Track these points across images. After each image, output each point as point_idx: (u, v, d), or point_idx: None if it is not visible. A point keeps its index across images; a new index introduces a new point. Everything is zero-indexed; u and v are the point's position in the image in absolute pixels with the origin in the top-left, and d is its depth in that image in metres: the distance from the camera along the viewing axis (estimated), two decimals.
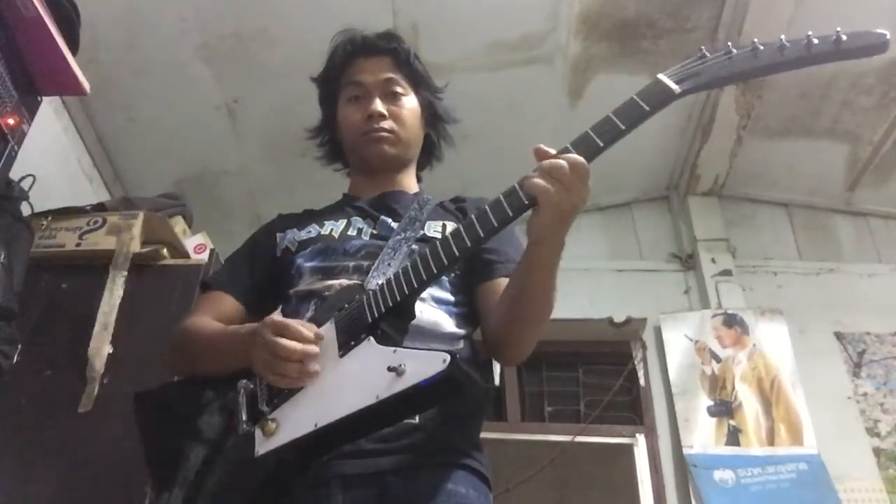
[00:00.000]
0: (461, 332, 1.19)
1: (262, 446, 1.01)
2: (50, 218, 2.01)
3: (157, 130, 2.98)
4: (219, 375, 1.13)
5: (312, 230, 1.30)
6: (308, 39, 2.75)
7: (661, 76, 0.93)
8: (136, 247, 1.95)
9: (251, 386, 1.07)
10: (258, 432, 1.02)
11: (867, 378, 3.07)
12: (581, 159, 0.92)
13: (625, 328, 3.18)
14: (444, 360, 0.87)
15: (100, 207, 2.13)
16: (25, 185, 1.86)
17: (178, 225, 2.19)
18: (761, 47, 0.89)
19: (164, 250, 2.02)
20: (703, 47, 0.93)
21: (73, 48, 1.63)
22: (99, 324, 1.81)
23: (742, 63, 0.90)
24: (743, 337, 3.12)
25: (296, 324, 1.02)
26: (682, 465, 2.86)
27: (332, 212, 1.36)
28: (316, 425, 0.96)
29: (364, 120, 1.33)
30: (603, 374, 3.23)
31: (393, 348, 0.95)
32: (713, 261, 3.40)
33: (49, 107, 2.54)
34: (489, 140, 2.99)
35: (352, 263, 1.20)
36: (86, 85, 1.64)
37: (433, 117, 1.43)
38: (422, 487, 1.02)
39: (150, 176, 3.07)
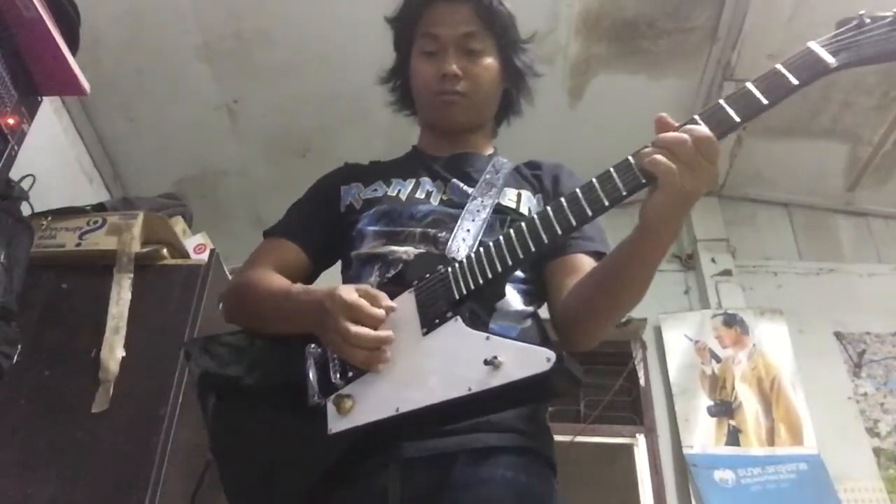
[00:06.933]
0: (529, 309, 1.12)
1: (337, 424, 0.94)
2: (50, 218, 2.01)
3: (157, 130, 2.98)
4: (281, 336, 1.06)
5: (379, 188, 1.23)
6: (308, 40, 2.76)
7: (812, 45, 0.81)
8: (136, 247, 1.95)
9: (319, 351, 1.00)
10: (331, 408, 0.94)
11: (867, 378, 3.07)
12: (710, 134, 0.82)
13: (625, 328, 3.18)
14: (549, 360, 0.79)
15: (100, 207, 2.13)
16: (25, 185, 1.86)
17: (178, 225, 2.19)
18: None
19: (164, 250, 2.01)
20: (862, 12, 0.80)
21: (73, 48, 1.63)
22: (109, 328, 1.80)
23: None
24: (743, 337, 3.12)
25: (367, 306, 0.94)
26: (682, 465, 2.85)
27: (401, 168, 1.28)
28: (398, 410, 0.89)
29: (437, 79, 1.23)
30: (603, 374, 3.23)
31: (485, 335, 0.87)
32: (713, 261, 3.40)
33: (49, 107, 2.54)
34: None
35: (418, 230, 1.13)
36: (86, 85, 1.63)
37: (514, 72, 1.30)
38: (483, 475, 0.95)
39: (150, 176, 3.07)
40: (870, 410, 2.99)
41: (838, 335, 3.18)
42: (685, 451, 2.87)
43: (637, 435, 3.01)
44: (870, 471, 2.84)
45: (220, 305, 1.23)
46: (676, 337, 3.15)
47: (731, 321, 3.16)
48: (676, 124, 0.85)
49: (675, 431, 2.94)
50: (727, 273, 3.36)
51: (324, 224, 1.25)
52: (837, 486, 2.74)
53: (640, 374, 3.14)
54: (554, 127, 3.10)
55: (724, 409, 2.95)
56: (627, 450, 3.01)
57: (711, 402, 2.97)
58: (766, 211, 3.66)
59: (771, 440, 2.86)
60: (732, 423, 2.91)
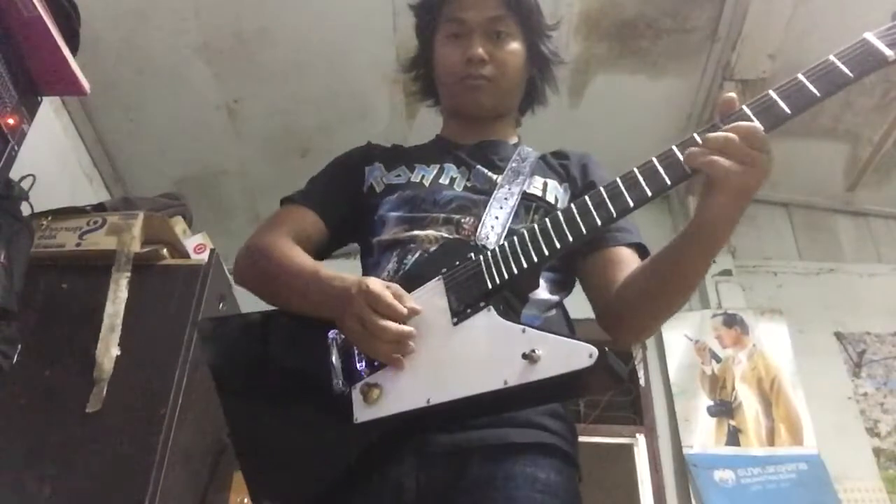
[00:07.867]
0: (554, 298, 1.09)
1: (363, 413, 0.91)
2: (50, 218, 2.01)
3: (157, 130, 2.98)
4: (297, 316, 1.04)
5: (402, 174, 1.21)
6: (308, 39, 2.76)
7: (868, 36, 0.78)
8: (136, 247, 1.95)
9: (343, 337, 0.97)
10: (358, 396, 0.91)
11: (867, 378, 3.07)
12: (756, 126, 0.80)
13: None
14: (591, 356, 0.77)
15: (100, 207, 2.12)
16: (25, 185, 1.86)
17: (178, 225, 2.19)
18: None
19: (164, 250, 2.01)
20: None
21: (73, 48, 1.63)
22: (105, 326, 1.80)
23: None
24: (743, 337, 3.12)
25: (390, 297, 0.91)
26: (682, 465, 2.85)
27: (424, 155, 1.26)
28: (429, 401, 0.86)
29: (463, 63, 1.21)
30: None
31: (521, 327, 0.84)
32: (713, 261, 3.39)
33: (49, 107, 2.54)
34: None
35: (441, 215, 1.10)
36: (86, 85, 1.63)
37: (539, 59, 1.31)
38: (502, 470, 0.93)
39: (150, 176, 3.07)
40: (870, 410, 2.99)
41: (838, 335, 3.18)
42: (685, 451, 2.87)
43: (637, 435, 3.01)
44: (870, 471, 2.84)
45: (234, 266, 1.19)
46: (676, 337, 3.15)
47: (731, 321, 3.16)
48: (739, 106, 0.84)
49: (675, 431, 2.94)
50: (727, 273, 3.36)
51: (346, 199, 1.23)
52: (837, 486, 2.74)
53: (640, 373, 3.14)
54: (553, 126, 3.09)
55: (724, 409, 2.95)
56: (627, 450, 3.01)
57: (711, 402, 2.97)
58: (766, 211, 3.65)
59: (771, 440, 2.86)
60: (732, 423, 2.91)
